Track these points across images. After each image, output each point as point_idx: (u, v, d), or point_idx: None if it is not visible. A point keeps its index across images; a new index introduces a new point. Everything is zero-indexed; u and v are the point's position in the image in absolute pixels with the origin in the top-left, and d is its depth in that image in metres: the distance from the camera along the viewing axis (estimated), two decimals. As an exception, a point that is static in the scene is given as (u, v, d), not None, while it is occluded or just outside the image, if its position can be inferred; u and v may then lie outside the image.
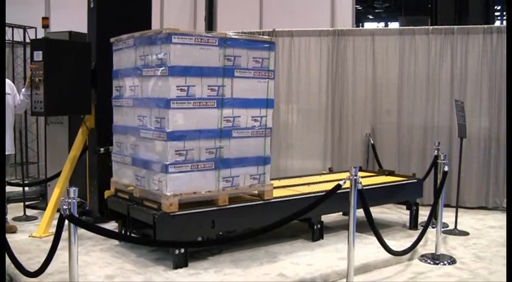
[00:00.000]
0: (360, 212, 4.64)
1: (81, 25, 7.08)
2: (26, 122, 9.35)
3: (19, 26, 9.38)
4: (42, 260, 4.06)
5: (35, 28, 9.38)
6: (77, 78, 6.36)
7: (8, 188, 6.88)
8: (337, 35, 8.63)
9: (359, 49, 8.55)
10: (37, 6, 11.26)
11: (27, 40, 9.25)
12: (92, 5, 6.61)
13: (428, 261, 5.46)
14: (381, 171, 7.53)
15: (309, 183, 6.60)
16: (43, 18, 7.45)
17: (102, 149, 6.51)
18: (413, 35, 8.34)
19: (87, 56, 6.48)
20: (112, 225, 6.13)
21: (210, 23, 11.54)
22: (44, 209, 6.54)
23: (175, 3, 11.86)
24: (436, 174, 6.67)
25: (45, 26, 7.35)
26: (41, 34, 9.02)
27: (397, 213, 7.61)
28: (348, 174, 4.54)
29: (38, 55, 6.17)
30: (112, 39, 5.83)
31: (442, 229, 5.90)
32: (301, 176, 7.29)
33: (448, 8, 13.06)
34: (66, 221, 3.75)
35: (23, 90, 6.42)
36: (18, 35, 9.52)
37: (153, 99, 5.13)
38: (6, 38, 8.94)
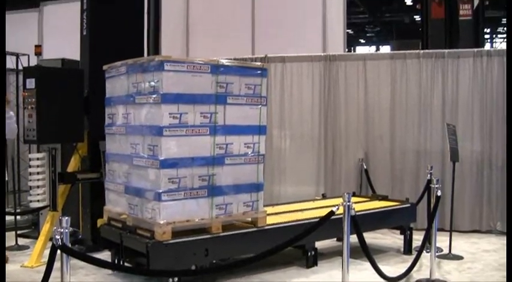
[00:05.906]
0: (354, 238, 4.63)
1: (73, 52, 7.10)
2: (18, 150, 9.31)
3: (12, 53, 9.38)
4: (33, 291, 4.03)
5: (28, 55, 9.39)
6: (69, 106, 6.35)
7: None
8: (328, 60, 8.68)
9: (351, 74, 8.59)
10: (30, 34, 11.27)
11: (20, 67, 9.26)
12: (84, 33, 6.64)
13: (424, 286, 5.44)
14: (374, 196, 7.53)
15: (302, 210, 6.58)
16: (36, 46, 7.49)
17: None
18: (404, 59, 8.39)
19: (79, 83, 6.48)
20: (105, 254, 6.08)
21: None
22: (36, 238, 6.50)
23: (168, 31, 11.91)
24: (430, 198, 6.66)
25: (38, 54, 7.39)
26: (33, 61, 9.05)
27: (391, 238, 7.58)
28: (341, 200, 4.54)
29: (31, 83, 6.16)
30: (105, 67, 5.84)
31: (437, 254, 5.89)
32: (294, 202, 7.28)
33: (439, 32, 13.15)
34: (59, 251, 3.72)
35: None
36: (10, 62, 9.52)
37: (145, 127, 5.13)
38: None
